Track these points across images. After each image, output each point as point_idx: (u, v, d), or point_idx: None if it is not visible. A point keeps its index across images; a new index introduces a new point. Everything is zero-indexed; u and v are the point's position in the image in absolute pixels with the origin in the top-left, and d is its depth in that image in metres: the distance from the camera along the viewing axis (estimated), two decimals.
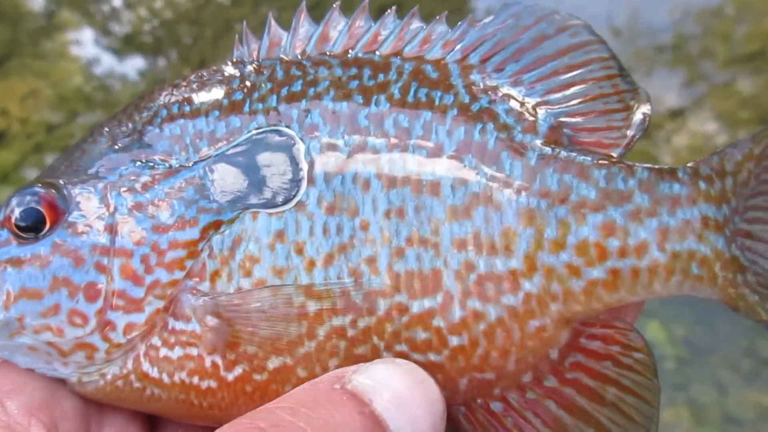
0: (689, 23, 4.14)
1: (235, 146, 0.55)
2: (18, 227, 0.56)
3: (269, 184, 0.54)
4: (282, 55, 0.60)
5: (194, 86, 0.59)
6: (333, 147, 0.54)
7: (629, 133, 0.56)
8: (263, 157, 0.55)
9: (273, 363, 0.53)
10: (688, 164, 0.56)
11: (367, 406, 0.45)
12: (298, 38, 0.60)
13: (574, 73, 0.56)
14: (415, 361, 0.53)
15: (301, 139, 0.55)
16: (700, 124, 3.51)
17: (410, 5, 0.61)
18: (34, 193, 0.56)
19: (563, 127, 0.56)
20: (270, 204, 0.54)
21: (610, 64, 0.57)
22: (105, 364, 0.56)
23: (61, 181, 0.57)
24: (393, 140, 0.55)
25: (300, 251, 0.53)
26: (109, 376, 0.56)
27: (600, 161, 0.55)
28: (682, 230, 0.53)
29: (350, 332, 0.53)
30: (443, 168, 0.54)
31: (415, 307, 0.53)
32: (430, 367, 0.52)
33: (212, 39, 4.58)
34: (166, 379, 0.55)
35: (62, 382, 0.58)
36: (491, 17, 0.58)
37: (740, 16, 4.05)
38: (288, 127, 0.55)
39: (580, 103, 0.56)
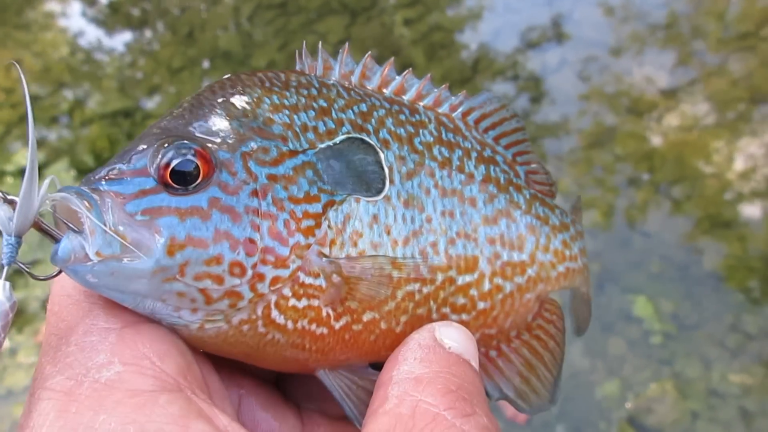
0: (682, 1, 4.12)
1: (336, 143, 0.67)
2: (172, 178, 0.58)
3: (366, 178, 0.67)
4: (336, 80, 0.74)
5: (278, 83, 0.69)
6: (403, 159, 0.71)
7: (553, 186, 0.87)
8: (358, 157, 0.68)
9: (367, 316, 0.66)
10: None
11: (467, 360, 0.63)
12: (344, 69, 0.75)
13: (522, 144, 0.84)
14: (452, 320, 0.72)
15: (380, 149, 0.69)
16: (691, 104, 3.51)
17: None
18: (189, 147, 0.59)
19: (528, 174, 0.84)
20: (367, 193, 0.67)
21: (529, 141, 0.86)
22: (237, 311, 0.61)
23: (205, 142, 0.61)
24: (441, 163, 0.74)
25: (388, 232, 0.68)
26: (235, 321, 0.61)
27: (555, 204, 0.85)
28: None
29: (417, 296, 0.69)
30: (476, 189, 0.76)
31: (460, 281, 0.72)
32: (461, 324, 0.70)
33: (201, 10, 4.51)
34: (290, 325, 0.63)
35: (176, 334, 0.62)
36: (477, 96, 0.81)
37: None
38: (368, 137, 0.70)
39: (530, 163, 0.84)
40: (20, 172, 3.59)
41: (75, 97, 4.07)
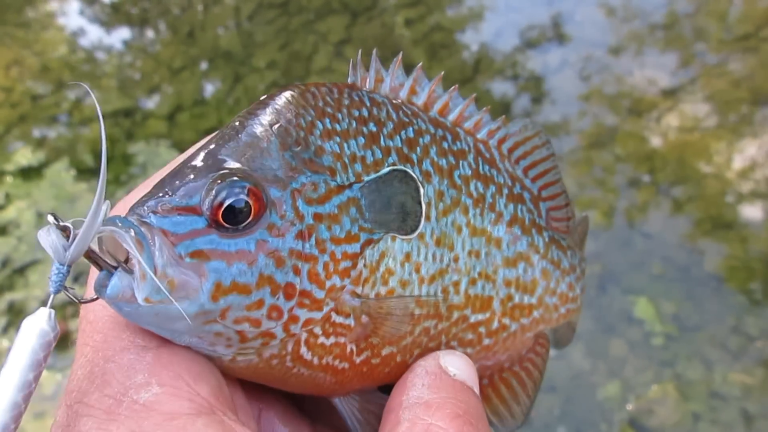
0: (683, 2, 4.12)
1: (380, 177, 0.66)
2: (223, 215, 0.57)
3: (404, 215, 0.67)
4: (387, 95, 0.73)
5: (331, 103, 0.68)
6: (441, 195, 0.71)
7: (570, 220, 0.86)
8: (400, 192, 0.67)
9: (385, 351, 0.68)
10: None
11: (471, 387, 0.66)
12: (394, 82, 0.74)
13: (549, 174, 0.83)
14: None
15: (421, 183, 0.69)
16: (692, 105, 3.50)
17: None
18: (243, 185, 0.57)
19: (549, 212, 0.84)
20: (403, 231, 0.67)
21: (558, 167, 0.85)
22: (268, 347, 0.61)
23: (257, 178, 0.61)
24: (476, 200, 0.74)
25: (418, 270, 0.68)
26: (266, 355, 0.62)
27: (567, 246, 0.85)
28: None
29: (432, 331, 0.71)
30: (503, 230, 0.76)
31: (472, 318, 0.74)
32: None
33: (201, 9, 4.50)
34: (315, 361, 0.64)
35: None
36: (515, 122, 0.81)
37: None
38: (411, 169, 0.69)
39: (554, 197, 0.84)
40: (20, 172, 3.58)
41: (75, 96, 4.06)
